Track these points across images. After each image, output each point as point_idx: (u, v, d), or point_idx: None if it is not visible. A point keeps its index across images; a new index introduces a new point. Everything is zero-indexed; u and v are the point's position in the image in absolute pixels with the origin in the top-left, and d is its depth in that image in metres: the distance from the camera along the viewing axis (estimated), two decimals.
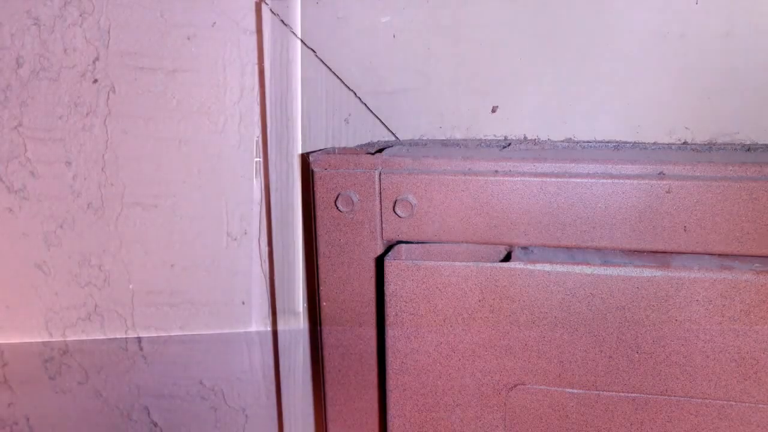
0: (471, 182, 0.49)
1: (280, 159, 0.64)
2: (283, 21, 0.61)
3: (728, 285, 0.45)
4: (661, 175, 0.46)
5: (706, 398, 0.47)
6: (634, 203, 0.47)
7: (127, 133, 0.67)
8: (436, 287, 0.49)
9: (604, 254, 0.49)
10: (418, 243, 0.52)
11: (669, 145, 0.57)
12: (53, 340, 0.74)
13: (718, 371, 0.46)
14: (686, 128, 0.56)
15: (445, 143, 0.60)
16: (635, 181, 0.46)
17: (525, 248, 0.51)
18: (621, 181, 0.47)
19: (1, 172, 0.70)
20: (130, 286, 0.71)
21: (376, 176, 0.50)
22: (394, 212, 0.51)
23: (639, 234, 0.47)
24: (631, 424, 0.48)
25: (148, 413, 0.75)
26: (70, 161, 0.69)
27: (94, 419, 0.76)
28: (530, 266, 0.47)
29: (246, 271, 0.69)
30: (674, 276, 0.45)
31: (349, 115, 0.62)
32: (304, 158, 0.63)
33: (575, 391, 0.49)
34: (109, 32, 0.65)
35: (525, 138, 0.59)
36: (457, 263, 0.48)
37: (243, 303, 0.70)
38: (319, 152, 0.54)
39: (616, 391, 0.48)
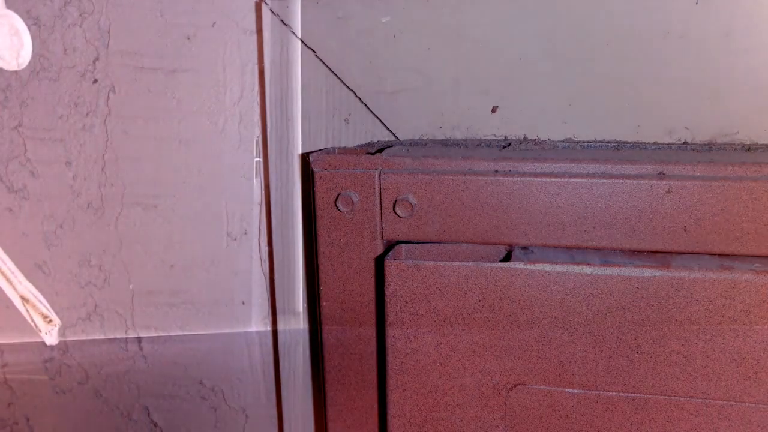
0: (471, 182, 0.49)
1: (280, 159, 0.64)
2: (283, 21, 0.61)
3: (728, 285, 0.44)
4: (661, 175, 0.46)
5: (706, 398, 0.47)
6: (634, 203, 0.47)
7: (127, 133, 0.67)
8: (436, 287, 0.49)
9: (604, 254, 0.49)
10: (418, 243, 0.52)
11: (669, 145, 0.56)
12: None
13: (718, 371, 0.46)
14: (686, 128, 0.56)
15: (445, 143, 0.60)
16: (635, 181, 0.46)
17: (525, 248, 0.51)
18: (621, 181, 0.47)
19: (1, 172, 0.70)
20: (130, 286, 0.71)
21: (376, 176, 0.50)
22: (394, 212, 0.51)
23: (639, 234, 0.47)
24: (631, 424, 0.48)
25: (148, 413, 0.75)
26: (70, 161, 0.69)
27: (94, 419, 0.76)
28: (530, 266, 0.47)
29: (246, 271, 0.69)
30: (674, 276, 0.45)
31: (349, 115, 0.62)
32: (304, 158, 0.63)
33: (575, 391, 0.49)
34: (109, 32, 0.65)
35: (525, 138, 0.59)
36: (457, 263, 0.48)
37: (243, 303, 0.70)
38: (319, 152, 0.54)
39: (615, 391, 0.48)
